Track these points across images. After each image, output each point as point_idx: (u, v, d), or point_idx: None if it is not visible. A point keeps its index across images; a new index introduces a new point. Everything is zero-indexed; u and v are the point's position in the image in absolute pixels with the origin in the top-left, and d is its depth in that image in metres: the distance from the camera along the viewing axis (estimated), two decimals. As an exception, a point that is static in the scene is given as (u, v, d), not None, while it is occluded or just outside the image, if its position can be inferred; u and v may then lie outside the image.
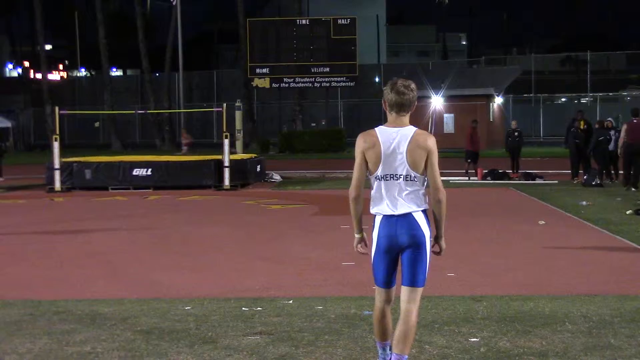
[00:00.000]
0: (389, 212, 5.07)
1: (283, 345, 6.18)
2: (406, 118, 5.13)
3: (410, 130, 5.08)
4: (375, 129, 5.13)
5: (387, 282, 5.22)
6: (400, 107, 5.07)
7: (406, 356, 5.10)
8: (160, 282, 9.02)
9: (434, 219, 5.19)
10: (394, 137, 5.05)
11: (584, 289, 8.25)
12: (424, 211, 5.11)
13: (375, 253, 5.18)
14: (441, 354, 5.93)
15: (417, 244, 5.05)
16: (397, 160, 5.04)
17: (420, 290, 5.15)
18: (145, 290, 8.51)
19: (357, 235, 5.32)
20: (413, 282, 5.10)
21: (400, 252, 5.13)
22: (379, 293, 5.26)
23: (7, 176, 26.15)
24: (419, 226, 5.05)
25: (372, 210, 5.16)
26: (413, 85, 5.15)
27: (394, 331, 5.24)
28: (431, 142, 5.09)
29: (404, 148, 5.03)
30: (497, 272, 9.34)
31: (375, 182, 5.12)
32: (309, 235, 12.71)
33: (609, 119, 23.38)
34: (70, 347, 6.25)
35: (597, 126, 21.52)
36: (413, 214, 5.05)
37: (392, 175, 5.05)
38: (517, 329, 6.57)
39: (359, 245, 5.34)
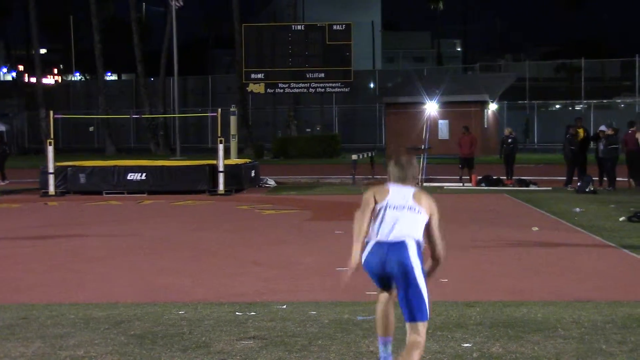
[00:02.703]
0: (383, 238, 5.11)
1: (276, 350, 6.20)
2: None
3: (412, 189, 5.32)
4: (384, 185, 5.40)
5: (385, 289, 5.34)
6: (403, 180, 5.33)
7: None
8: (154, 286, 9.03)
9: (428, 269, 5.30)
10: (403, 189, 5.28)
11: (576, 295, 8.28)
12: (419, 244, 5.14)
13: (367, 272, 5.26)
14: (434, 359, 5.95)
15: (406, 275, 5.04)
16: (404, 196, 5.23)
17: (422, 324, 5.10)
18: (139, 295, 8.52)
19: (354, 263, 5.23)
20: (413, 319, 5.08)
21: (392, 280, 5.17)
22: (380, 292, 5.38)
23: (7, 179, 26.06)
24: (409, 256, 5.06)
25: (368, 239, 5.22)
26: (414, 161, 5.46)
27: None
28: (433, 203, 5.29)
29: (410, 193, 5.25)
30: (490, 277, 9.37)
31: (380, 212, 5.19)
32: (302, 241, 12.72)
33: (602, 127, 23.43)
34: (63, 351, 6.25)
35: (611, 132, 21.69)
36: (406, 242, 5.09)
37: (396, 206, 5.18)
38: (509, 334, 6.59)
39: (350, 272, 5.25)
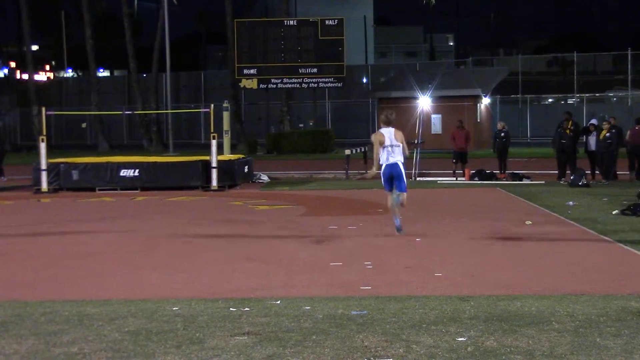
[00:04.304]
0: (391, 161, 11.35)
1: (270, 345, 6.19)
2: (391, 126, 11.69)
3: (392, 129, 11.60)
4: (380, 129, 11.74)
5: (390, 189, 11.53)
6: (388, 124, 11.60)
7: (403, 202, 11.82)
8: (148, 282, 9.01)
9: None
10: (388, 130, 11.61)
11: (570, 288, 8.29)
12: (402, 163, 11.48)
13: (384, 179, 11.52)
14: (428, 353, 5.95)
15: (399, 175, 11.39)
16: (391, 139, 11.45)
17: (405, 192, 11.74)
18: (132, 291, 8.50)
19: (376, 170, 11.90)
20: (402, 190, 11.57)
21: (393, 179, 11.53)
22: (389, 193, 11.67)
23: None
24: (401, 168, 11.32)
25: (381, 162, 11.37)
26: (394, 113, 11.71)
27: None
28: (400, 133, 11.60)
29: (391, 134, 11.51)
30: (484, 271, 9.38)
31: (383, 150, 11.40)
32: (296, 236, 12.70)
33: (593, 120, 23.50)
34: (57, 348, 6.24)
35: (608, 126, 21.79)
36: (398, 163, 11.37)
37: (391, 145, 11.44)
38: (503, 328, 6.60)
39: (370, 175, 12.47)
